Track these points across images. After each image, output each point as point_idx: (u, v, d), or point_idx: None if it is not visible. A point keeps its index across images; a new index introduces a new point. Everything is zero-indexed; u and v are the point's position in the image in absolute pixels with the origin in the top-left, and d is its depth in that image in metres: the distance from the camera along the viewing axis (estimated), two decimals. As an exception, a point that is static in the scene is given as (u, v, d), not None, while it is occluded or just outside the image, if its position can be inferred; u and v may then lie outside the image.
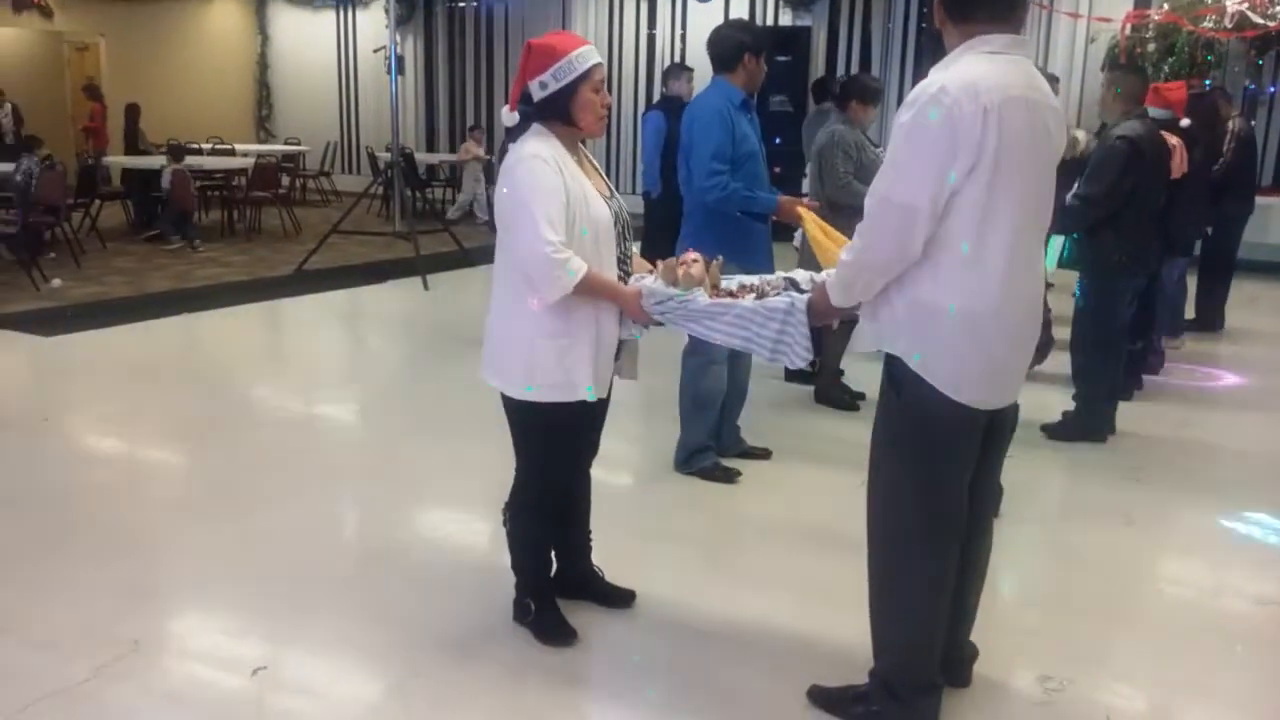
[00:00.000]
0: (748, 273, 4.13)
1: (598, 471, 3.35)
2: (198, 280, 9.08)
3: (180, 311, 7.80)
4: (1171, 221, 5.81)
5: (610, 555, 3.47)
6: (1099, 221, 5.04)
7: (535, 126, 2.92)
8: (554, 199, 2.79)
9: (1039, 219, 2.53)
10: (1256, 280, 9.59)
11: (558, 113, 2.90)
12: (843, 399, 5.69)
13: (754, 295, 2.86)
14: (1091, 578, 3.76)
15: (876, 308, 2.56)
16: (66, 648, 3.08)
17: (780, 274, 3.01)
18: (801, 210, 4.13)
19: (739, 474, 4.60)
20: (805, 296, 2.74)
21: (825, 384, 5.80)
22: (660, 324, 2.89)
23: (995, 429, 2.64)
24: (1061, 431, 5.31)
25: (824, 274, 2.83)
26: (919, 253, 2.41)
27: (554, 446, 3.04)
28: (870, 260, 2.46)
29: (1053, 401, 5.56)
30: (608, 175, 3.25)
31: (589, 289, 2.82)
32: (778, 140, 10.87)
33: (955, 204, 2.37)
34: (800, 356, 2.73)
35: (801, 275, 2.95)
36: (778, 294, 2.83)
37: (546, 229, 2.75)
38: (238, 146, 14.92)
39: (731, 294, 2.89)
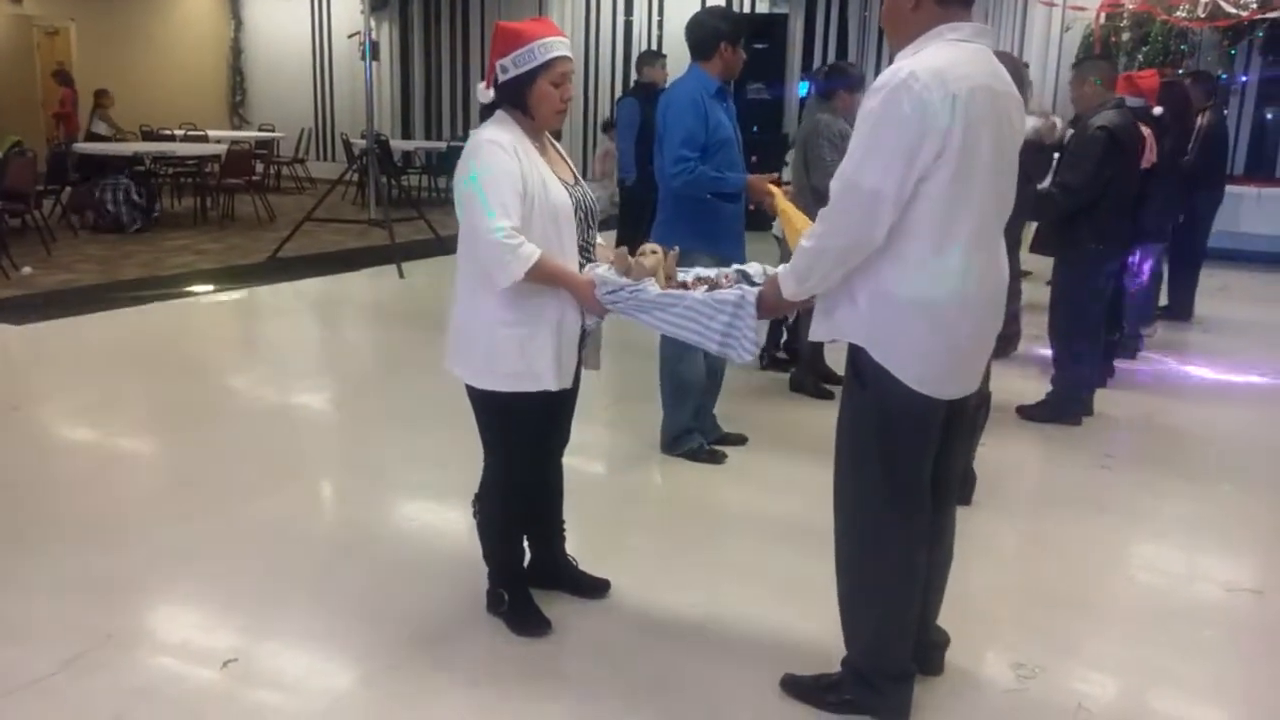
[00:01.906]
0: (720, 258, 4.16)
1: (574, 459, 3.34)
2: (170, 268, 9.00)
3: (152, 300, 7.73)
4: (1144, 210, 5.86)
5: (585, 544, 3.47)
6: (1076, 209, 5.09)
7: (498, 113, 2.91)
8: (508, 185, 2.77)
9: (1001, 209, 2.54)
10: (1227, 269, 9.66)
11: (514, 100, 2.88)
12: (819, 388, 5.70)
13: (706, 288, 2.84)
14: (1064, 565, 3.78)
15: (836, 298, 2.55)
16: (37, 640, 3.05)
17: (734, 267, 3.00)
18: (772, 187, 4.13)
19: (725, 455, 4.65)
20: (756, 290, 2.73)
21: (801, 373, 5.82)
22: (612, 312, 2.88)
23: (955, 416, 2.65)
24: (1035, 412, 5.37)
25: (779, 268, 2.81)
26: (881, 239, 2.40)
27: (520, 436, 3.02)
28: (832, 245, 2.45)
29: (1029, 388, 5.60)
30: (583, 162, 3.23)
31: (542, 275, 2.80)
32: (755, 129, 10.88)
33: (921, 192, 2.37)
34: (748, 350, 2.72)
35: (754, 269, 2.95)
36: (730, 287, 2.82)
37: (499, 214, 2.74)
38: (211, 133, 14.79)
39: (684, 285, 2.88)
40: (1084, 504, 4.33)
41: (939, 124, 2.31)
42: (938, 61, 2.36)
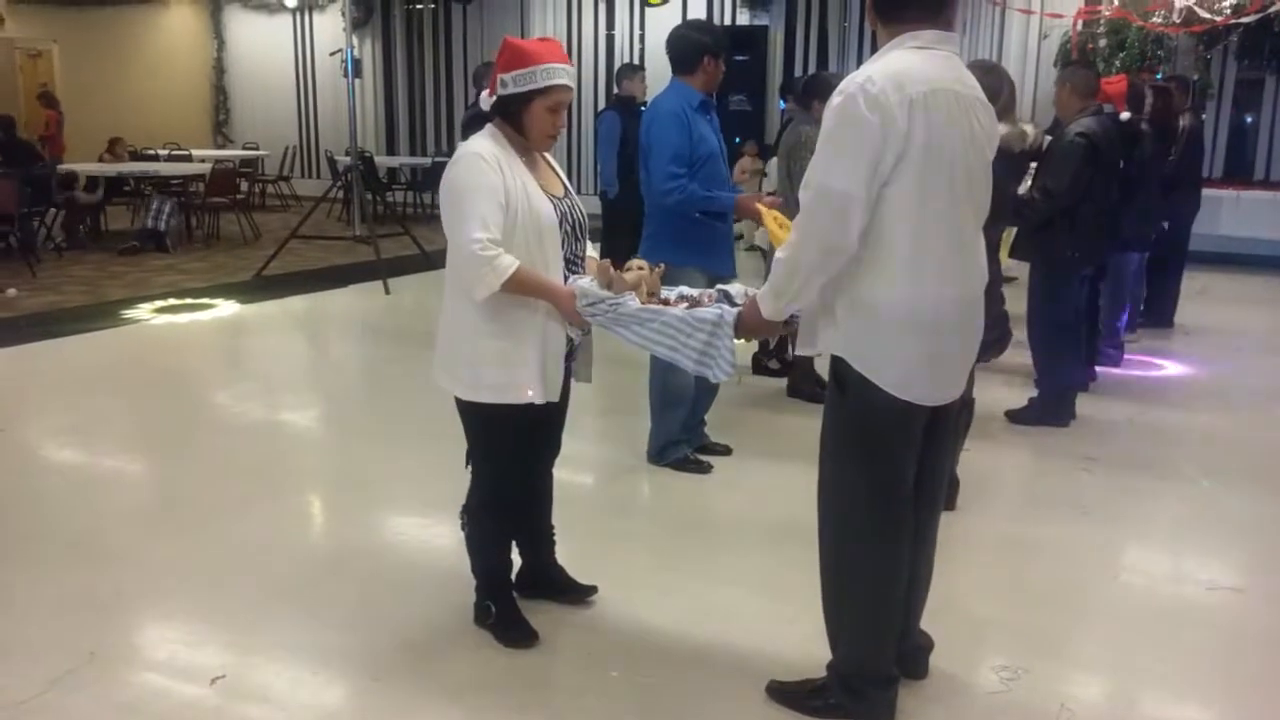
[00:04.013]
0: (710, 273, 4.19)
1: (562, 470, 3.36)
2: (156, 288, 8.98)
3: (138, 320, 7.73)
4: (1126, 216, 5.91)
5: (573, 554, 3.48)
6: (1054, 215, 5.15)
7: (489, 125, 2.95)
8: (489, 197, 2.79)
9: (975, 211, 2.56)
10: (1206, 271, 9.70)
11: (509, 116, 2.91)
12: (815, 392, 5.71)
13: (687, 305, 2.86)
14: (1047, 568, 3.81)
15: (816, 311, 2.58)
16: (21, 660, 3.05)
17: (718, 287, 3.03)
18: (760, 206, 4.16)
19: (711, 465, 4.68)
20: (736, 310, 2.74)
21: (797, 378, 5.85)
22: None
23: (939, 422, 2.67)
24: (1023, 415, 5.42)
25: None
26: (854, 244, 2.42)
27: (507, 447, 3.04)
28: (806, 254, 2.46)
29: (1014, 395, 5.63)
30: (568, 173, 3.25)
31: (520, 286, 2.82)
32: (737, 140, 10.93)
33: (886, 196, 2.40)
34: (725, 370, 2.73)
35: (736, 289, 2.97)
36: (711, 306, 2.84)
37: (476, 226, 2.76)
38: (195, 152, 14.76)
39: (666, 302, 2.89)
40: (1066, 506, 4.36)
41: (898, 127, 2.35)
42: (895, 67, 2.40)
